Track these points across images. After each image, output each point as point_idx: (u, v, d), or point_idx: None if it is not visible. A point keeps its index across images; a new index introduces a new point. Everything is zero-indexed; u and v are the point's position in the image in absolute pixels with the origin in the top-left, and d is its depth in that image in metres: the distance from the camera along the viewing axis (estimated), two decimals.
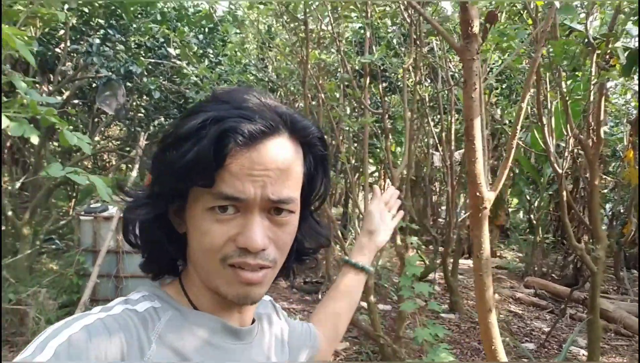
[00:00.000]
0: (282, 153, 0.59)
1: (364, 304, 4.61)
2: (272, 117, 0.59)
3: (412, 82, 3.77)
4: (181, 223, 0.63)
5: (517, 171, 7.30)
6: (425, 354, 2.82)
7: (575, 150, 4.19)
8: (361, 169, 7.62)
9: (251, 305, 0.68)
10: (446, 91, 5.04)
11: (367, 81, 3.58)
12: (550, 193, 6.50)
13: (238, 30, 5.38)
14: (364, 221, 1.03)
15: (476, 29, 1.57)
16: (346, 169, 3.98)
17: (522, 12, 3.93)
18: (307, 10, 3.16)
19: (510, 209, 8.40)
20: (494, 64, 5.74)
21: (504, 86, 5.57)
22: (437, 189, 8.04)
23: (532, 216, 7.48)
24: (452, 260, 4.94)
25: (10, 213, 5.25)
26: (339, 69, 4.78)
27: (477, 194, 1.65)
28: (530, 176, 7.04)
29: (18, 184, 8.67)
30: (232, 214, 0.57)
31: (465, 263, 7.01)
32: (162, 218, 0.63)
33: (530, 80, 1.68)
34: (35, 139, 2.08)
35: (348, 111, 5.51)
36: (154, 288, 0.65)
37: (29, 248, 5.27)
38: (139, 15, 5.02)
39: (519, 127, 1.68)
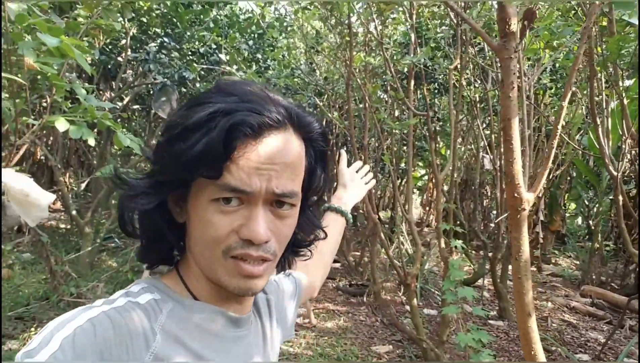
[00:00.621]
0: (288, 148, 0.60)
1: (407, 307, 4.58)
2: (279, 111, 0.59)
3: (459, 82, 3.71)
4: (181, 213, 0.64)
5: (574, 174, 6.99)
6: (469, 359, 2.77)
7: (634, 152, 3.96)
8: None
9: (251, 297, 0.70)
10: (497, 92, 4.92)
11: (412, 83, 3.57)
12: (610, 197, 6.16)
13: (285, 35, 5.50)
14: (338, 178, 1.20)
15: (514, 27, 1.55)
16: (391, 171, 3.97)
17: (575, 8, 3.78)
18: (351, 13, 3.19)
19: (567, 215, 8.03)
20: (545, 63, 5.55)
21: (558, 86, 5.35)
22: (488, 193, 7.81)
23: (590, 221, 7.12)
24: (501, 266, 4.79)
25: (74, 212, 5.60)
26: (385, 72, 4.78)
27: (515, 195, 1.62)
28: (588, 180, 6.71)
29: (83, 186, 9.24)
30: (235, 206, 0.58)
31: None
32: (162, 206, 0.63)
33: (571, 77, 1.63)
34: (92, 141, 2.23)
35: (397, 114, 5.50)
36: (153, 280, 0.65)
37: (90, 245, 5.61)
38: (193, 24, 5.23)
39: (559, 127, 1.63)
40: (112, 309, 0.56)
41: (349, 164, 1.28)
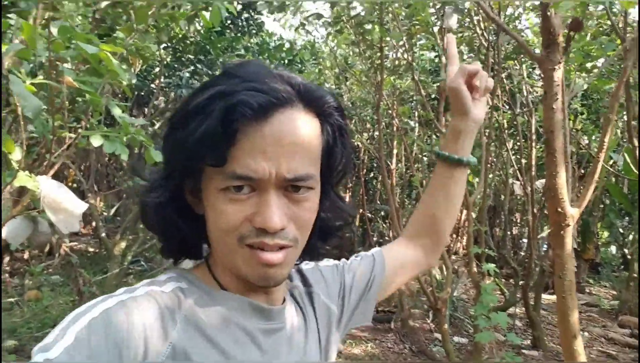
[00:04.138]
0: (298, 126, 0.55)
1: (438, 335, 4.44)
2: (285, 88, 0.55)
3: (489, 107, 3.69)
4: (199, 204, 0.61)
5: (607, 201, 6.80)
6: None
7: None
8: None
9: (274, 287, 0.63)
10: (526, 117, 4.87)
11: (442, 105, 3.57)
12: None
13: (314, 60, 5.60)
14: (453, 102, 0.81)
15: (558, 37, 1.54)
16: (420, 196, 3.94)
17: (609, 33, 3.75)
18: (384, 36, 3.23)
19: (600, 243, 7.78)
20: (576, 87, 5.50)
21: (590, 110, 5.28)
22: (518, 220, 7.65)
23: (625, 250, 6.88)
24: (534, 294, 4.64)
25: (103, 235, 5.70)
26: (413, 96, 4.80)
27: (559, 210, 1.58)
28: (622, 208, 6.51)
29: (112, 211, 9.42)
30: (247, 194, 0.55)
31: (549, 298, 6.55)
32: (179, 199, 0.61)
33: (618, 92, 1.60)
34: (124, 156, 2.27)
35: (425, 139, 5.49)
36: (182, 270, 0.63)
37: (117, 267, 5.67)
38: (225, 51, 5.37)
39: (606, 139, 1.59)
40: (130, 298, 0.54)
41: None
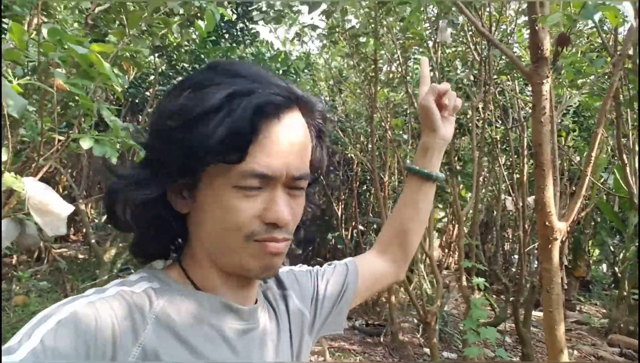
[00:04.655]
0: (301, 127, 0.59)
1: (427, 350, 4.41)
2: (289, 90, 0.58)
3: (481, 122, 3.71)
4: (186, 202, 0.60)
5: (598, 219, 6.82)
6: None
7: None
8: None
9: (265, 279, 0.67)
10: (518, 133, 4.90)
11: None
12: (637, 244, 5.98)
13: (308, 71, 5.62)
14: (423, 119, 0.84)
15: (547, 52, 1.55)
16: None
17: (600, 50, 3.79)
18: (378, 49, 3.25)
19: (591, 261, 7.80)
20: (570, 105, 5.54)
21: (582, 128, 5.32)
22: (510, 236, 7.66)
23: (616, 268, 6.89)
24: (524, 310, 4.63)
25: (93, 241, 5.65)
26: (406, 111, 4.82)
27: (547, 223, 1.57)
28: (613, 226, 6.54)
29: (103, 218, 9.35)
30: (257, 191, 0.56)
31: (540, 315, 6.52)
32: (160, 197, 0.60)
33: (605, 107, 1.60)
34: (114, 160, 2.25)
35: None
36: (155, 270, 0.63)
37: (106, 274, 5.61)
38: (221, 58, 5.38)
39: (594, 154, 1.60)
40: (100, 299, 0.53)
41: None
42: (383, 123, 3.62)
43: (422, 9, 3.53)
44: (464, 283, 3.13)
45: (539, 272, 4.83)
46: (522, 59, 5.70)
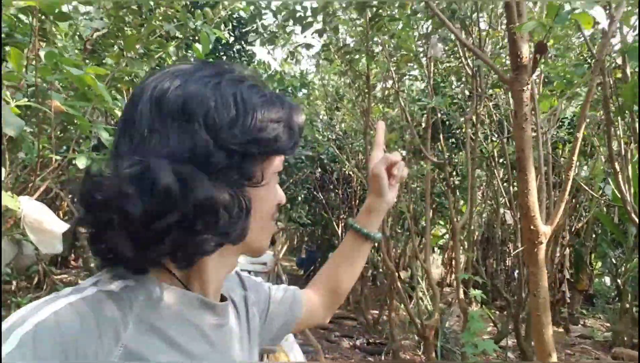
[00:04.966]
0: None
1: None
2: None
3: (475, 135, 3.74)
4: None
5: (599, 231, 6.80)
6: None
7: None
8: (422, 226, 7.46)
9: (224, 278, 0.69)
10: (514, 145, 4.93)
11: (429, 132, 3.61)
12: (638, 254, 5.95)
13: (305, 90, 5.69)
14: (372, 183, 0.89)
15: (526, 60, 1.59)
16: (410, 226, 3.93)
17: (587, 58, 3.84)
18: (370, 65, 3.31)
19: (594, 274, 7.74)
20: (565, 117, 5.58)
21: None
22: (511, 251, 7.62)
23: (619, 281, 6.84)
24: (525, 325, 4.59)
25: (92, 265, 5.66)
26: (402, 125, 4.86)
27: (532, 227, 1.59)
28: (615, 238, 6.51)
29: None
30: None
31: None
32: None
33: (585, 109, 1.64)
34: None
35: (416, 168, 5.52)
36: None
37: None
38: None
39: (575, 158, 1.62)
40: (79, 300, 0.51)
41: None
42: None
43: (413, 25, 3.61)
44: (462, 296, 3.12)
45: (526, 276, 4.81)
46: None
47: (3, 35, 2.50)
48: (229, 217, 0.56)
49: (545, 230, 1.61)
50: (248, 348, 0.72)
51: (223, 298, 0.69)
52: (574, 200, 6.30)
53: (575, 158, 1.62)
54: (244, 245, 0.63)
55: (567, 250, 6.74)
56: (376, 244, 7.65)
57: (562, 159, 5.58)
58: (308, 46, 3.34)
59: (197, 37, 4.02)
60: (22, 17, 2.39)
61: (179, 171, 0.52)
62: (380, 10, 3.19)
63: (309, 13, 3.07)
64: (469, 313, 2.94)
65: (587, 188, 4.32)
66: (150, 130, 0.55)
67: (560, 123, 5.53)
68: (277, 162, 0.63)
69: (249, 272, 3.04)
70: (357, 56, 3.23)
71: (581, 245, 7.02)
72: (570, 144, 5.53)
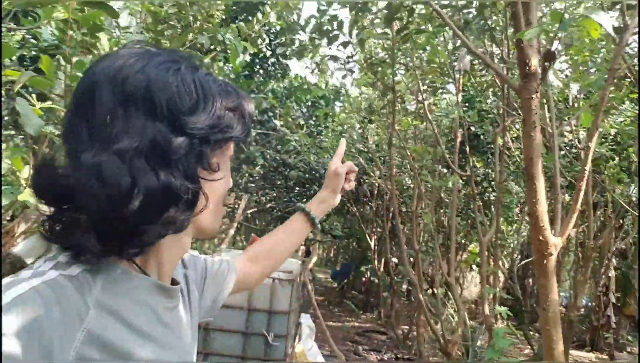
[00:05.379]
0: None
1: None
2: None
3: (504, 147, 3.67)
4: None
5: None
6: None
7: None
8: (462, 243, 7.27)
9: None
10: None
11: (457, 145, 3.57)
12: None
13: (339, 103, 5.75)
14: (330, 180, 1.04)
15: (534, 67, 1.56)
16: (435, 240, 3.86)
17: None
18: (394, 76, 3.32)
19: None
20: (609, 133, 5.34)
21: (621, 157, 5.11)
22: None
23: None
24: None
25: None
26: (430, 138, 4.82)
27: (541, 238, 1.54)
28: None
29: None
30: None
31: (586, 356, 6.16)
32: None
33: (597, 119, 1.58)
34: None
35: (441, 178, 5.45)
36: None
37: None
38: (252, 93, 5.60)
39: (587, 167, 1.57)
40: (43, 283, 0.50)
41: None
42: (407, 151, 3.63)
43: (440, 37, 3.60)
44: (487, 311, 3.03)
45: (577, 307, 4.60)
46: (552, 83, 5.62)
47: (47, 45, 2.68)
48: (176, 207, 0.56)
49: (555, 242, 1.56)
50: (191, 326, 0.74)
51: (175, 282, 0.71)
52: (622, 220, 6.01)
53: (587, 167, 1.57)
54: (197, 228, 0.65)
55: (613, 272, 6.42)
56: (411, 259, 7.58)
57: (604, 176, 5.34)
58: (335, 58, 3.38)
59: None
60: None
61: (134, 164, 0.52)
62: (408, 23, 3.20)
63: (335, 26, 3.13)
64: (493, 330, 2.86)
65: (628, 208, 4.12)
66: (112, 116, 0.54)
67: (603, 139, 5.31)
68: (231, 149, 0.66)
69: (273, 280, 3.04)
70: (381, 69, 3.25)
71: (629, 267, 6.66)
72: (613, 161, 5.30)
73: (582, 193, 1.58)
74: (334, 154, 1.09)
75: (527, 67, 1.56)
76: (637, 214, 4.24)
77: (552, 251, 1.55)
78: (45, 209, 0.56)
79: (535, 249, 1.58)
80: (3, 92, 1.65)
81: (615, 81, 3.38)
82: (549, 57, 1.52)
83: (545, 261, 1.56)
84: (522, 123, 1.57)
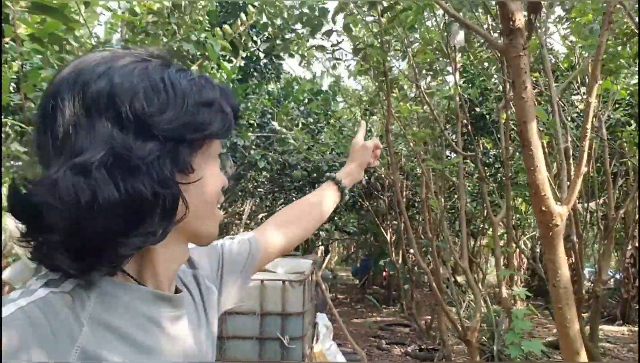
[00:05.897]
0: None
1: None
2: None
3: (507, 122, 3.52)
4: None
5: None
6: None
7: None
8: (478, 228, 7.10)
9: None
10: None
11: (459, 125, 3.43)
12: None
13: (339, 98, 5.63)
14: (358, 153, 1.09)
15: (519, 22, 1.43)
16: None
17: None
18: (385, 60, 3.19)
19: None
20: (623, 98, 5.13)
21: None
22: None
23: None
24: (589, 324, 4.22)
25: None
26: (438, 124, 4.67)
27: (543, 208, 1.41)
28: None
29: None
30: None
31: (618, 330, 5.93)
32: None
33: (596, 68, 1.44)
34: None
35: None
36: None
37: None
38: (247, 95, 5.52)
39: (588, 126, 1.43)
40: (30, 304, 0.49)
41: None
42: (409, 139, 3.50)
43: (432, 16, 3.46)
44: (504, 294, 2.89)
45: (603, 282, 4.41)
46: (562, 54, 5.42)
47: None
48: (152, 216, 0.53)
49: (560, 211, 1.42)
50: (206, 327, 0.71)
51: (178, 290, 0.68)
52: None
53: (589, 126, 1.43)
54: (190, 234, 0.62)
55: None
56: (428, 249, 7.45)
57: (622, 142, 5.13)
58: (322, 48, 3.27)
59: (225, 56, 4.07)
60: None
61: (94, 176, 0.49)
62: (394, 3, 3.08)
63: (317, 13, 3.02)
64: (512, 312, 2.72)
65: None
66: (74, 126, 0.51)
67: (617, 104, 5.10)
68: (215, 146, 0.61)
69: (283, 282, 2.98)
70: (369, 52, 3.12)
71: None
72: (630, 126, 5.09)
73: (585, 154, 1.44)
74: (357, 133, 1.14)
75: (511, 22, 1.43)
76: None
77: (557, 221, 1.42)
78: (15, 230, 0.53)
79: (539, 221, 1.44)
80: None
81: (625, 39, 3.21)
82: (534, 9, 1.39)
83: (550, 233, 1.42)
84: (512, 85, 1.44)
